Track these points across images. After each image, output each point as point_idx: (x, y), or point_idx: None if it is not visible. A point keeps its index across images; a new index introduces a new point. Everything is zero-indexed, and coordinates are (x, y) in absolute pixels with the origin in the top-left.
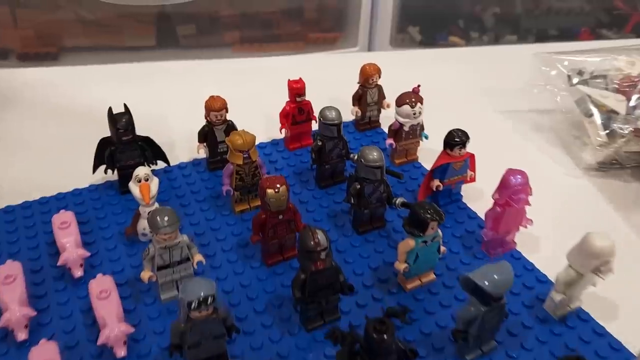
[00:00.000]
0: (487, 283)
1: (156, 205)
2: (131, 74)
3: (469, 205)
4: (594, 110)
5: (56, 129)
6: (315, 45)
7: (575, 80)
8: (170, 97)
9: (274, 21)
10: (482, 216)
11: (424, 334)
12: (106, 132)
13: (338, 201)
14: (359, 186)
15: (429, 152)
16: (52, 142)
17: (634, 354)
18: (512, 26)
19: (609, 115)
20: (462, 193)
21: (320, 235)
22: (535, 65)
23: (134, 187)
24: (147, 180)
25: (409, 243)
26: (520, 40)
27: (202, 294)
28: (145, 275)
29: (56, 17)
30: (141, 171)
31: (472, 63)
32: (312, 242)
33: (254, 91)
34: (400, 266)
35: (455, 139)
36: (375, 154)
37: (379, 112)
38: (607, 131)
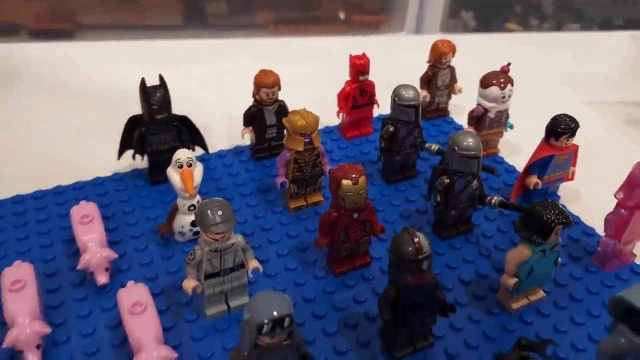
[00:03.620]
0: None
1: (198, 198)
2: (155, 52)
3: (568, 208)
4: None
5: (72, 109)
6: (357, 29)
7: None
8: (201, 78)
9: (313, 1)
10: (585, 221)
11: None
12: (127, 114)
13: (411, 199)
14: (447, 180)
15: (510, 146)
16: (67, 124)
17: None
18: (575, 14)
19: None
20: (559, 194)
21: (422, 240)
22: (624, 47)
23: (173, 174)
24: (190, 166)
25: (524, 252)
26: (584, 29)
27: (276, 314)
28: (189, 284)
29: None
30: (183, 155)
31: (540, 50)
32: (410, 248)
33: (296, 73)
34: (510, 281)
35: (562, 126)
36: (471, 140)
37: (449, 97)
38: None
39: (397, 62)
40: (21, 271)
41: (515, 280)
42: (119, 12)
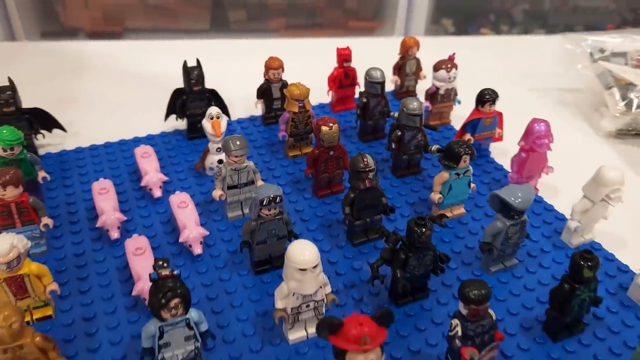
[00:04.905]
0: (512, 199)
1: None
2: (187, 50)
3: (496, 160)
4: (614, 83)
5: (125, 89)
6: (354, 33)
7: (597, 56)
8: (225, 69)
9: (317, 10)
10: (508, 167)
11: (455, 252)
12: (166, 92)
13: (379, 152)
14: (399, 133)
15: (461, 119)
16: (123, 99)
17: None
18: (541, 21)
19: (627, 87)
20: (490, 150)
21: (369, 159)
22: (563, 47)
23: (206, 123)
24: (218, 118)
25: (444, 175)
26: (548, 34)
27: (272, 194)
28: (217, 193)
29: (122, 1)
30: (214, 110)
31: (505, 49)
32: (361, 164)
33: (301, 66)
34: (435, 196)
35: (486, 96)
36: (415, 103)
37: (416, 82)
38: (625, 101)
39: (387, 59)
40: (104, 183)
41: (439, 195)
42: (158, 18)
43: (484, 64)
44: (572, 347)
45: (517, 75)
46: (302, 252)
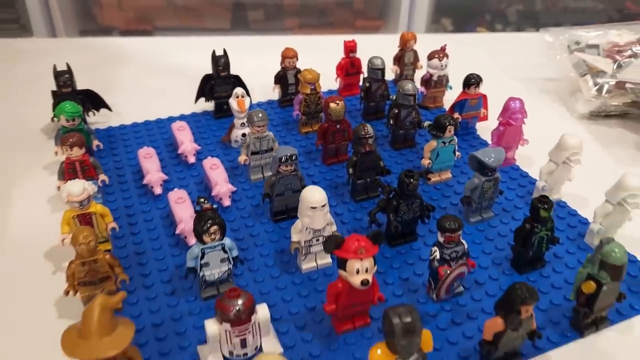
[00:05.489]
0: (487, 158)
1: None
2: (210, 45)
3: (481, 137)
4: (587, 71)
5: (157, 78)
6: (361, 31)
7: (573, 48)
8: (244, 62)
9: (328, 10)
10: (490, 141)
11: (441, 207)
12: (192, 81)
13: (380, 129)
14: (396, 110)
15: (451, 102)
16: (155, 88)
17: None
18: (532, 21)
19: (598, 74)
20: (476, 128)
21: (369, 127)
22: (545, 40)
23: (233, 102)
24: (243, 97)
25: (432, 143)
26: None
27: (289, 153)
28: (242, 158)
29: (152, 3)
30: (239, 90)
31: (496, 44)
32: (362, 132)
33: (313, 60)
34: (425, 161)
35: (472, 80)
36: (409, 85)
37: (414, 72)
38: (597, 87)
39: (389, 52)
40: (148, 150)
41: (429, 161)
42: (184, 18)
43: (478, 57)
44: (534, 278)
45: (506, 67)
46: (313, 194)
